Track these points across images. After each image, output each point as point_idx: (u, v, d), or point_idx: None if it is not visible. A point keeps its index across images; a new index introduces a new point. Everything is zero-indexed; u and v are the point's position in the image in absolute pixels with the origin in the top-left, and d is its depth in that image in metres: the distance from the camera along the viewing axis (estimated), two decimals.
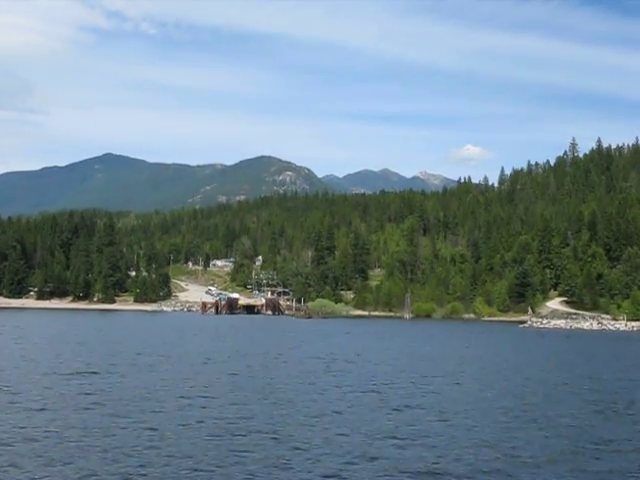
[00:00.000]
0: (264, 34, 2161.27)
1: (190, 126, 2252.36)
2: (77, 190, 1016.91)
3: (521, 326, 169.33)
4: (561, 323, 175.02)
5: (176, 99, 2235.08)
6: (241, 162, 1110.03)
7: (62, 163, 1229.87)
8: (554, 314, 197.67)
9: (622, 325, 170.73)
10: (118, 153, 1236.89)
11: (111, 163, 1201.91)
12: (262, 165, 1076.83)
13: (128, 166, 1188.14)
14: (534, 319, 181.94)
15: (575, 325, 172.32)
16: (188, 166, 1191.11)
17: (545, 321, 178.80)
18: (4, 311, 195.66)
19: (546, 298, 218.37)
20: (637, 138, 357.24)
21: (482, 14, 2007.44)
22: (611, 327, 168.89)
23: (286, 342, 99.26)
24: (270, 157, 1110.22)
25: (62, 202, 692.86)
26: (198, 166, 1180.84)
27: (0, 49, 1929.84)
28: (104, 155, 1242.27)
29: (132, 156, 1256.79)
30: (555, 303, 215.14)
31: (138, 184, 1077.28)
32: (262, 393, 47.30)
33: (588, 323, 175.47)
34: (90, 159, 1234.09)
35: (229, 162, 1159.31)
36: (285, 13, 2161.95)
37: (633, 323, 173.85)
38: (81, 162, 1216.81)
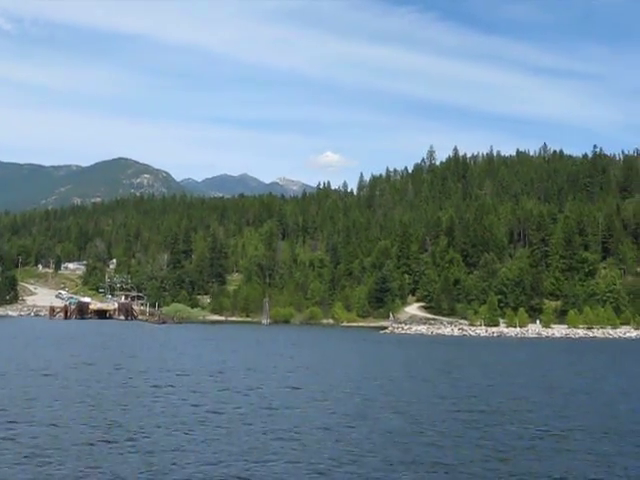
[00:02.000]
0: (126, 35, 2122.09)
1: (45, 125, 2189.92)
2: None
3: (382, 332, 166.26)
4: (422, 329, 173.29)
5: (32, 97, 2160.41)
6: (97, 164, 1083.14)
7: None
8: (413, 319, 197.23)
9: (482, 331, 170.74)
10: None
11: None
12: (119, 167, 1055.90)
13: None
14: (395, 325, 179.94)
15: (436, 331, 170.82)
16: (42, 166, 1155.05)
17: (406, 327, 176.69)
18: None
19: (405, 303, 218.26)
20: (491, 147, 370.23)
21: (345, 23, 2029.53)
22: (472, 333, 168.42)
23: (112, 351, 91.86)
24: (127, 159, 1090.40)
25: None
26: (53, 167, 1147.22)
27: None
28: None
29: None
30: (414, 308, 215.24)
31: None
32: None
33: (449, 329, 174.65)
34: None
35: (85, 163, 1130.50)
36: (148, 14, 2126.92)
37: (493, 329, 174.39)
38: None
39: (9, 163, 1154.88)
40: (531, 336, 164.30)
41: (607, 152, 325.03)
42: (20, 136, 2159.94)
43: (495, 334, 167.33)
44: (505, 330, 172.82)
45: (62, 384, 52.89)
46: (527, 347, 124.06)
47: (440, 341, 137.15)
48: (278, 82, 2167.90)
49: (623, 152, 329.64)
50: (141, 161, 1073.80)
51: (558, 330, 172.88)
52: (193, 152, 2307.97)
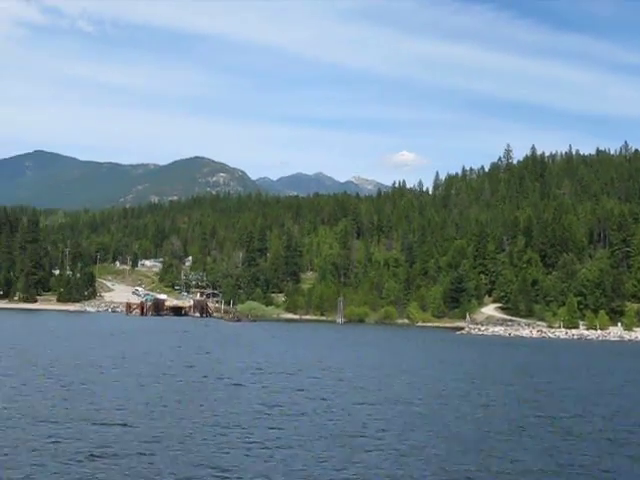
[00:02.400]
0: (203, 35, 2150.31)
1: (124, 125, 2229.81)
2: (5, 187, 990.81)
3: (458, 333, 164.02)
4: (500, 330, 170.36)
5: (111, 97, 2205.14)
6: (175, 162, 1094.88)
7: None
8: (489, 320, 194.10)
9: (562, 333, 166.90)
10: (50, 150, 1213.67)
11: (42, 160, 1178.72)
12: (195, 166, 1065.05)
13: (59, 164, 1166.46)
14: (472, 326, 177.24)
15: (514, 333, 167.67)
16: (121, 165, 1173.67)
17: (483, 328, 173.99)
18: None
19: (481, 304, 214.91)
20: (570, 146, 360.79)
21: (420, 22, 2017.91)
22: (551, 335, 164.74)
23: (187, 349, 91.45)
24: (204, 158, 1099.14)
25: None
26: (131, 165, 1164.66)
27: None
28: (35, 152, 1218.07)
29: (64, 154, 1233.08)
30: (490, 309, 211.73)
31: (69, 182, 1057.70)
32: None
33: (527, 331, 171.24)
34: (20, 155, 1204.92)
35: (162, 162, 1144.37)
36: (224, 15, 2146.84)
37: (573, 331, 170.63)
38: (11, 158, 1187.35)
39: (89, 162, 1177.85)
40: (613, 339, 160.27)
41: None
42: (100, 135, 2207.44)
43: (575, 337, 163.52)
44: (586, 333, 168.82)
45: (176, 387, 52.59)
46: (611, 351, 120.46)
47: (520, 343, 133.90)
48: (353, 81, 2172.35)
49: None
50: (217, 160, 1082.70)
51: None
52: (269, 151, 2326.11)
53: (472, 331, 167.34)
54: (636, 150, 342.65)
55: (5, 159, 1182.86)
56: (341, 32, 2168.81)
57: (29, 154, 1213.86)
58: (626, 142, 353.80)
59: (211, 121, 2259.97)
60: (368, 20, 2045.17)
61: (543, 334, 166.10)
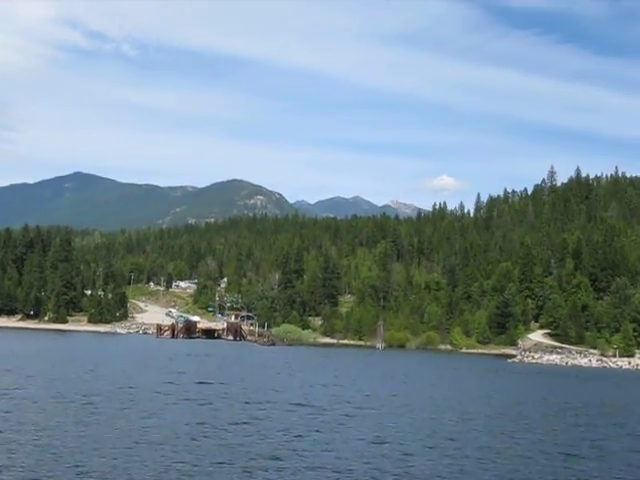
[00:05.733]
0: (243, 59, 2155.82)
1: (163, 147, 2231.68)
2: (45, 208, 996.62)
3: (509, 361, 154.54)
4: (556, 359, 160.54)
5: (150, 120, 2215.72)
6: (212, 185, 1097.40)
7: (31, 181, 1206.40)
8: (538, 347, 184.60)
9: (624, 363, 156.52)
10: (89, 172, 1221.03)
11: (81, 182, 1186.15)
12: (233, 189, 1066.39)
13: (98, 185, 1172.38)
14: (524, 353, 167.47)
15: (571, 361, 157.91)
16: (159, 187, 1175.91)
17: (537, 356, 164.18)
18: None
19: (528, 330, 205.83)
20: (616, 167, 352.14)
21: (460, 46, 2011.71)
22: (612, 365, 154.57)
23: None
24: (242, 181, 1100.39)
25: (28, 219, 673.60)
26: (169, 187, 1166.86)
27: None
28: (74, 174, 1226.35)
29: (103, 175, 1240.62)
30: (538, 335, 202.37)
31: (108, 204, 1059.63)
32: None
33: (586, 360, 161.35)
34: (60, 177, 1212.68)
35: (200, 184, 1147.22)
36: (264, 40, 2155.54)
37: (638, 361, 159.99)
38: (51, 180, 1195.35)
39: (128, 184, 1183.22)
40: None
41: None
42: (139, 158, 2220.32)
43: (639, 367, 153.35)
44: None
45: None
46: None
47: (583, 374, 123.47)
48: (393, 105, 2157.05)
49: None
50: (255, 183, 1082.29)
51: None
52: (307, 174, 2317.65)
53: (525, 359, 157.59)
54: None
55: (45, 180, 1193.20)
56: (382, 56, 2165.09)
57: (69, 175, 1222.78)
58: None
59: (249, 144, 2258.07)
60: (409, 44, 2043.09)
61: (604, 363, 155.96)
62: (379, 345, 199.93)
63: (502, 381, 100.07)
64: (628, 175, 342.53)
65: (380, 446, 38.68)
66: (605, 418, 58.48)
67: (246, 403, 55.11)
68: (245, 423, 44.33)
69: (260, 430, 41.86)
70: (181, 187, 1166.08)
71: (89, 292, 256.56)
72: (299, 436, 40.67)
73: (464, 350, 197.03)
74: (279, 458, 34.00)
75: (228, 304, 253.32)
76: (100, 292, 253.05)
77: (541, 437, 44.66)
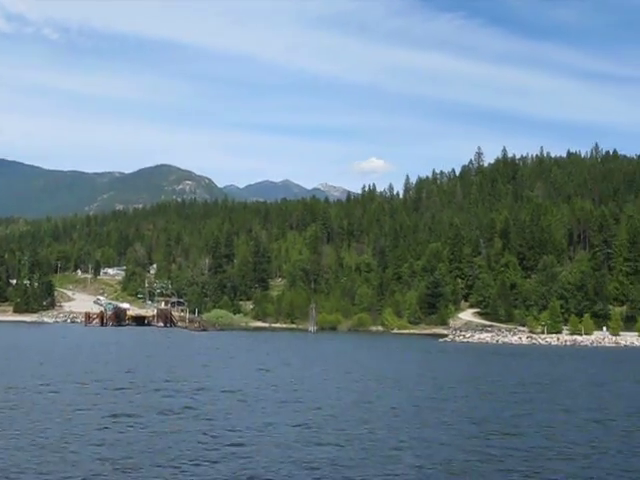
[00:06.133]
0: (170, 43, 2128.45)
1: (89, 133, 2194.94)
2: None
3: (441, 340, 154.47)
4: (486, 337, 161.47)
5: (75, 105, 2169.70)
6: (140, 170, 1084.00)
7: None
8: (469, 326, 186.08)
9: (554, 340, 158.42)
10: (12, 159, 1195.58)
11: (4, 169, 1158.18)
12: (161, 174, 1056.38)
13: (22, 172, 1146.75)
14: (455, 332, 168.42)
15: (502, 339, 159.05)
16: (85, 173, 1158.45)
17: (468, 334, 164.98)
18: None
19: (458, 309, 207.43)
20: (541, 148, 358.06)
21: (387, 30, 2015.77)
22: (542, 342, 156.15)
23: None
24: (170, 166, 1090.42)
25: None
26: (95, 174, 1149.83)
27: None
28: None
29: (27, 162, 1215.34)
30: (468, 315, 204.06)
31: (33, 191, 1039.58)
32: None
33: (516, 337, 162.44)
34: None
35: (128, 170, 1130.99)
36: (192, 22, 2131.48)
37: (566, 337, 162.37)
38: None
39: (53, 170, 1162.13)
40: (608, 345, 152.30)
41: None
42: (64, 144, 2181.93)
43: (568, 343, 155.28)
44: (579, 339, 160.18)
45: None
46: (622, 358, 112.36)
47: (516, 352, 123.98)
48: (322, 89, 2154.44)
49: None
50: (183, 168, 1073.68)
51: (638, 339, 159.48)
52: (236, 159, 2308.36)
53: (456, 338, 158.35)
54: (607, 152, 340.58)
55: None
56: (310, 40, 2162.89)
57: None
58: (597, 144, 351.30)
59: (177, 129, 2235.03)
60: (338, 28, 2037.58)
61: (533, 340, 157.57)
62: (311, 328, 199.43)
63: (438, 361, 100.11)
64: (553, 155, 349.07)
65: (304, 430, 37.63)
66: (542, 394, 58.56)
67: (177, 391, 53.64)
68: (175, 412, 42.93)
69: (185, 417, 40.65)
70: (108, 173, 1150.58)
71: (14, 281, 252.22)
72: (209, 419, 39.46)
73: (395, 331, 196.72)
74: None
75: (158, 290, 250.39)
76: (26, 281, 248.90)
77: (476, 413, 44.29)
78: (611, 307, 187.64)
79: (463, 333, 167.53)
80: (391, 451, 32.02)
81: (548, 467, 29.51)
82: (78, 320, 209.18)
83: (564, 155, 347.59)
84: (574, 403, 51.62)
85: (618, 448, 33.79)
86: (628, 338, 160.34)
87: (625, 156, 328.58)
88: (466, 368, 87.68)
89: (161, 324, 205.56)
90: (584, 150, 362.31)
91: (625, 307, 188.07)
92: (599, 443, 35.10)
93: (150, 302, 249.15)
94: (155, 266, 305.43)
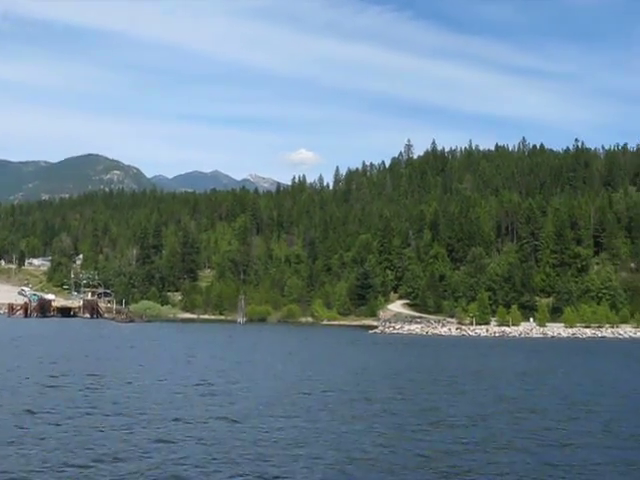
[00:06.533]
0: (100, 32, 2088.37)
1: (13, 121, 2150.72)
2: None
3: (371, 332, 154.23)
4: (416, 328, 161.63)
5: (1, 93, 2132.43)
6: (67, 160, 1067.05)
7: None
8: (398, 317, 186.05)
9: (483, 331, 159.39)
10: None
11: None
12: (89, 163, 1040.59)
13: None
14: (385, 324, 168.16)
15: (432, 331, 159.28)
16: (10, 162, 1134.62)
17: (398, 326, 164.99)
18: None
19: (387, 301, 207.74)
20: (470, 141, 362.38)
21: (319, 22, 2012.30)
22: (471, 333, 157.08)
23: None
24: (97, 155, 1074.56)
25: None
26: (21, 162, 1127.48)
27: None
28: None
29: None
30: (397, 306, 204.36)
31: None
32: None
33: (446, 329, 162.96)
34: None
35: (54, 159, 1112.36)
36: (121, 11, 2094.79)
37: (494, 328, 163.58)
38: None
39: None
40: (536, 336, 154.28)
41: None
42: None
43: (497, 334, 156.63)
44: (508, 330, 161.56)
45: None
46: (556, 349, 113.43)
47: (447, 343, 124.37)
48: (252, 80, 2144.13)
49: (603, 147, 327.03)
50: (111, 157, 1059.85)
51: (565, 330, 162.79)
52: (165, 149, 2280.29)
53: (386, 330, 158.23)
54: (534, 146, 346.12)
55: None
56: (240, 31, 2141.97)
57: None
58: (524, 138, 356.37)
59: (106, 118, 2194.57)
60: (268, 19, 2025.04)
61: (463, 332, 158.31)
62: (240, 319, 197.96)
63: (370, 352, 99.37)
64: (481, 148, 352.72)
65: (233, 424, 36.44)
66: (476, 384, 58.31)
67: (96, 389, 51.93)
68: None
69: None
70: (33, 162, 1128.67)
71: None
72: (119, 415, 38.07)
73: (325, 322, 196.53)
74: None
75: (84, 281, 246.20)
76: None
77: (415, 406, 43.59)
78: (538, 298, 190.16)
79: (393, 324, 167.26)
80: (309, 448, 31.02)
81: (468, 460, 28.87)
82: (1, 311, 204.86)
83: (492, 148, 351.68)
84: (495, 394, 51.39)
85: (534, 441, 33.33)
86: (555, 329, 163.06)
87: (552, 150, 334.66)
88: (395, 360, 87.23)
89: (87, 315, 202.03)
90: (512, 144, 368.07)
91: (551, 298, 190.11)
92: (530, 435, 34.61)
93: (76, 293, 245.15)
94: (81, 256, 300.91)
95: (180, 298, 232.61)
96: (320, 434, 33.76)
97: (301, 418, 38.40)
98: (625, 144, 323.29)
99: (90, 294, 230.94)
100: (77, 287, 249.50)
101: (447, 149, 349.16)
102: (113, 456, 28.17)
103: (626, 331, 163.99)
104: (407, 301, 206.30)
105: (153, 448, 29.80)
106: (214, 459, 28.21)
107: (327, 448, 30.76)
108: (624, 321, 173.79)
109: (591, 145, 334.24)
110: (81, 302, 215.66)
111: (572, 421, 39.55)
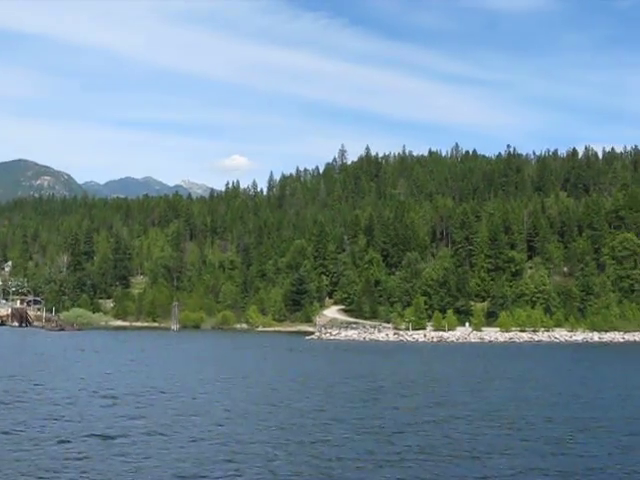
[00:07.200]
0: (28, 34, 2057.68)
1: None
2: None
3: (307, 338, 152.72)
4: (353, 334, 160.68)
5: None
6: None
7: None
8: (333, 323, 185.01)
9: (420, 336, 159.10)
10: None
11: None
12: (18, 169, 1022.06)
13: None
14: (322, 330, 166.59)
15: (369, 337, 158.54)
16: None
17: (335, 332, 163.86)
18: None
19: (323, 306, 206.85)
20: (404, 147, 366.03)
21: (253, 28, 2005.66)
22: (409, 338, 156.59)
23: None
24: (27, 161, 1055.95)
25: None
26: None
27: None
28: None
29: None
30: (333, 311, 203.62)
31: None
32: None
33: (383, 334, 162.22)
34: None
35: None
36: (49, 15, 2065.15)
37: (432, 334, 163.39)
38: None
39: None
40: (473, 341, 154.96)
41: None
42: None
43: (435, 339, 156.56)
44: (445, 335, 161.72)
45: None
46: (496, 354, 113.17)
47: (384, 348, 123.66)
48: (183, 86, 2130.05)
49: (534, 153, 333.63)
50: (42, 162, 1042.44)
51: (502, 335, 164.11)
52: (96, 154, 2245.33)
53: (323, 336, 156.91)
54: (467, 151, 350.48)
55: None
56: (174, 36, 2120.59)
57: None
58: (457, 144, 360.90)
59: (36, 122, 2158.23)
60: (201, 24, 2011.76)
61: (400, 337, 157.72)
62: (174, 326, 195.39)
63: (309, 360, 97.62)
64: (415, 154, 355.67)
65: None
66: (424, 391, 57.51)
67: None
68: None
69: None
70: None
71: None
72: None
73: (260, 328, 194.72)
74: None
75: (13, 289, 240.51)
76: None
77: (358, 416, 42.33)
78: (473, 303, 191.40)
79: (330, 330, 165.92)
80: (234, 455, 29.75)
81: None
82: None
83: (426, 154, 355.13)
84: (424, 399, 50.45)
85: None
86: (492, 334, 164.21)
87: (484, 156, 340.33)
88: (330, 367, 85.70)
89: (16, 324, 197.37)
90: (445, 149, 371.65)
91: (486, 303, 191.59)
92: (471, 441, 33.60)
93: (4, 301, 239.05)
94: (10, 263, 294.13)
95: (112, 305, 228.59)
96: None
97: (228, 427, 36.86)
98: (556, 150, 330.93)
99: (19, 302, 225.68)
100: (5, 295, 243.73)
101: (381, 154, 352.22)
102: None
103: (561, 335, 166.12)
104: (342, 306, 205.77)
105: None
106: None
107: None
108: (558, 325, 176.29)
109: (523, 151, 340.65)
110: (9, 310, 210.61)
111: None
